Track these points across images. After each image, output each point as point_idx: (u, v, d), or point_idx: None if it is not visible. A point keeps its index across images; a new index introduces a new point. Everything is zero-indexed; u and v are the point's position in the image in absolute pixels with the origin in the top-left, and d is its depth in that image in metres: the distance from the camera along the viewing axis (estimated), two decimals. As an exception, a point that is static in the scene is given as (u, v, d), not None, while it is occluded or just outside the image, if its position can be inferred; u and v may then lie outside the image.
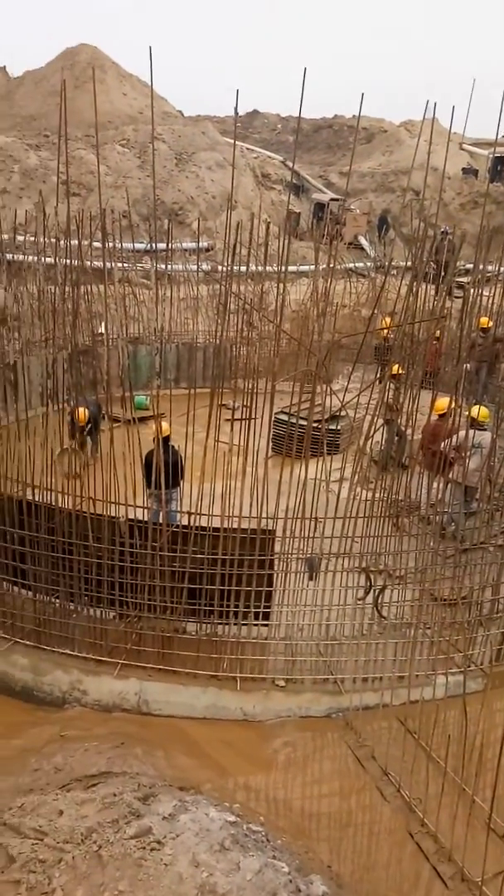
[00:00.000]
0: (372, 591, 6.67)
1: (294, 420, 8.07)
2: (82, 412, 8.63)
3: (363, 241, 27.78)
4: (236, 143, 7.60)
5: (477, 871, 4.23)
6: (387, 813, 4.91)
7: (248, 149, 32.90)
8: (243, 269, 11.78)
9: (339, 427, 10.84)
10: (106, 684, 5.92)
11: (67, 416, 7.92)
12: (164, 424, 6.97)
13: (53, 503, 6.26)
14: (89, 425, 9.24)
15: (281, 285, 6.71)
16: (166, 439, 7.19)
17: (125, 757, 4.95)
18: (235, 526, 6.14)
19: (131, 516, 6.24)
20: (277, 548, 6.38)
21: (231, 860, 3.74)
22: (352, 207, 28.57)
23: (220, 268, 17.28)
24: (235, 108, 8.32)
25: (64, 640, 6.29)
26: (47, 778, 4.60)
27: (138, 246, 18.25)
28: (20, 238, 12.61)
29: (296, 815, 4.90)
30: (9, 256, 12.19)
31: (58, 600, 6.45)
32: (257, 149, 34.60)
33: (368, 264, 21.84)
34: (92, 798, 4.20)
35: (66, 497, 6.26)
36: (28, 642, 6.31)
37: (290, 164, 30.38)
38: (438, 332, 9.09)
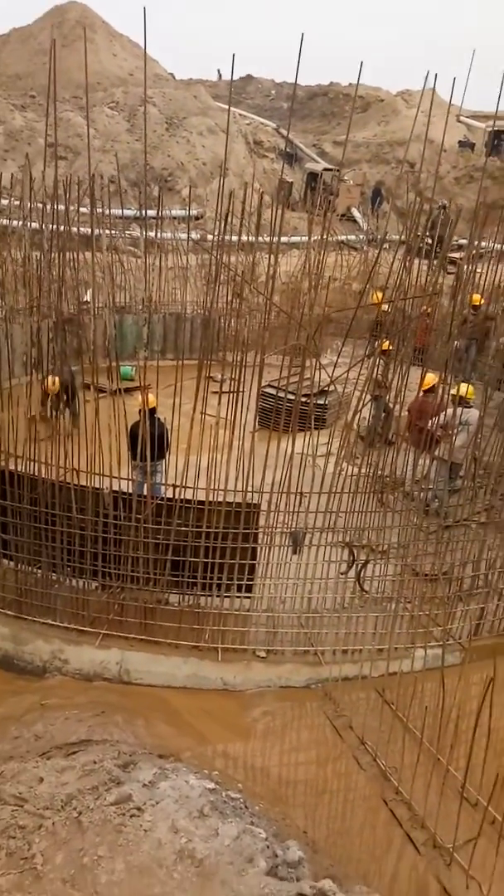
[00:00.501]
0: (354, 565, 6.73)
1: (281, 394, 8.04)
2: (52, 381, 8.35)
3: (356, 213, 27.48)
4: (229, 108, 7.40)
5: (449, 837, 4.34)
6: (362, 781, 5.01)
7: (240, 115, 32.26)
8: (234, 238, 11.62)
9: (326, 402, 10.82)
10: (87, 654, 5.96)
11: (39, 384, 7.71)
12: (151, 396, 6.91)
13: (36, 473, 6.22)
14: (65, 396, 8.94)
15: (272, 256, 6.62)
16: (152, 411, 7.13)
17: (105, 725, 5.00)
18: (220, 499, 6.14)
19: (115, 488, 6.22)
20: (262, 521, 6.39)
21: (210, 826, 3.81)
22: (345, 178, 28.18)
23: (209, 237, 17.04)
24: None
25: (45, 610, 6.30)
26: (27, 745, 4.64)
27: (127, 213, 17.93)
28: (4, 202, 12.32)
29: (273, 783, 4.99)
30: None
31: (40, 570, 6.45)
32: (250, 115, 33.94)
33: (361, 237, 21.62)
34: (72, 765, 4.24)
35: (49, 467, 6.22)
36: (9, 612, 6.31)
37: (284, 132, 29.84)
38: (428, 307, 9.01)
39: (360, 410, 7.42)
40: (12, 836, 3.64)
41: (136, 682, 5.81)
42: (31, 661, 5.96)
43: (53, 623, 6.21)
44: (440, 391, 7.63)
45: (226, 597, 6.34)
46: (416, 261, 7.48)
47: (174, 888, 3.45)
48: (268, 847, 3.82)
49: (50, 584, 6.43)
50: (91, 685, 5.70)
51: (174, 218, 17.70)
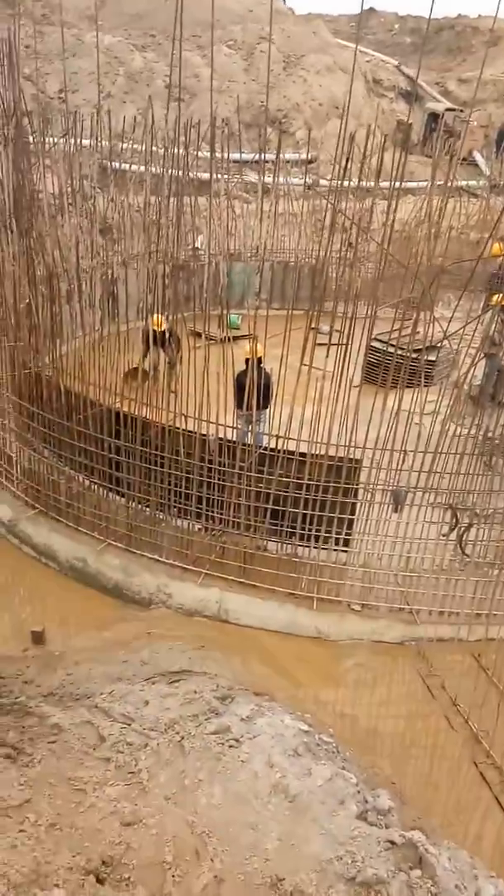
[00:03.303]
0: (457, 528, 6.59)
1: (390, 348, 7.84)
2: (156, 319, 8.27)
3: (478, 158, 25.74)
4: (349, 45, 7.03)
5: (539, 806, 4.31)
6: (452, 740, 5.04)
7: (360, 51, 30.63)
8: (352, 184, 11.18)
9: (434, 358, 10.43)
10: (189, 591, 6.24)
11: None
12: (258, 346, 6.91)
13: (147, 417, 6.44)
14: (169, 336, 8.76)
15: (388, 203, 6.34)
16: (259, 361, 7.15)
17: (205, 659, 5.25)
18: (322, 452, 6.15)
19: (220, 435, 6.35)
20: (363, 477, 6.36)
21: (303, 765, 3.96)
22: (469, 119, 26.34)
23: (322, 181, 16.53)
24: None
25: (152, 546, 6.63)
26: (134, 670, 4.96)
27: (245, 157, 17.60)
28: (124, 146, 12.43)
29: (362, 732, 5.11)
30: (114, 165, 12.07)
31: (148, 509, 6.75)
32: (370, 51, 32.13)
33: (482, 182, 20.29)
34: (175, 692, 4.51)
35: (159, 411, 6.43)
36: (120, 545, 6.70)
37: (406, 70, 28.11)
38: None
39: (472, 369, 7.11)
40: (121, 751, 3.94)
41: (234, 622, 6.04)
42: (139, 592, 6.32)
43: (159, 559, 6.54)
44: None
45: (323, 549, 6.41)
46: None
47: (268, 819, 3.64)
48: (358, 792, 3.93)
49: (157, 522, 6.73)
50: (192, 620, 5.99)
51: (287, 162, 17.27)
